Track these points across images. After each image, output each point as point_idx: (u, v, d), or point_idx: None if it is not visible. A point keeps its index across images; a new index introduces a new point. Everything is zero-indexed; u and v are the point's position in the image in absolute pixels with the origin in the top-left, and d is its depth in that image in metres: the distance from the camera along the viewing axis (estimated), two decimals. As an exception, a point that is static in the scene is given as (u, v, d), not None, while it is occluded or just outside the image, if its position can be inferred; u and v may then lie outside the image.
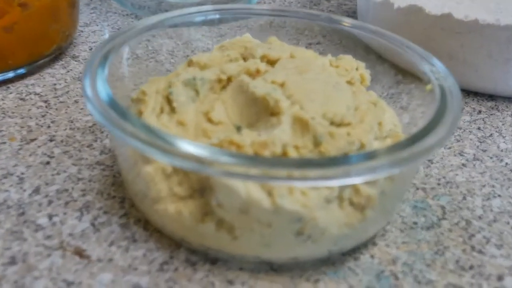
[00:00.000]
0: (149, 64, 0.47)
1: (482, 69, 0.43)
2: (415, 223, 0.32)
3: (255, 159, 0.23)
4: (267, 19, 0.47)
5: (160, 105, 0.29)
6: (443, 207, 0.33)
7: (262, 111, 0.28)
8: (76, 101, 0.43)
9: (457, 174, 0.36)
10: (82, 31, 0.53)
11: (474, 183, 0.35)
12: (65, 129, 0.39)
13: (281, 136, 0.26)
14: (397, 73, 0.40)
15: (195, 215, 0.26)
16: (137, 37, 0.37)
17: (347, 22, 0.38)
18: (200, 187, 0.26)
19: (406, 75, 0.39)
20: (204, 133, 0.28)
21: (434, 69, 0.32)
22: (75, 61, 0.48)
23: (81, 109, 0.42)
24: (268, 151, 0.25)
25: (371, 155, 0.24)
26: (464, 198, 0.34)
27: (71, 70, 0.47)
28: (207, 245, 0.27)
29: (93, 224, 0.30)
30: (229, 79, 0.31)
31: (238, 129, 0.28)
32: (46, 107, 0.42)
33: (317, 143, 0.27)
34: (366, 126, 0.28)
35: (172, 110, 0.29)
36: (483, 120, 0.42)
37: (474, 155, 0.38)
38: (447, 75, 0.31)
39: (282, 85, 0.29)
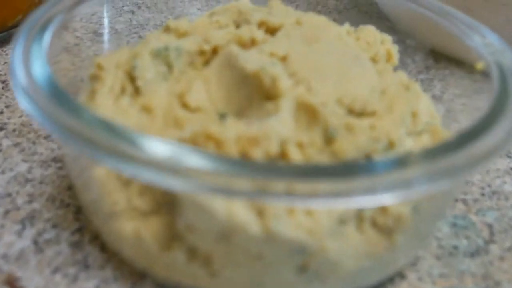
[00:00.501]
0: (131, 41, 0.40)
1: (533, 50, 0.35)
2: (456, 247, 0.24)
3: (239, 163, 0.16)
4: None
5: (121, 83, 0.22)
6: (490, 226, 0.26)
7: (254, 93, 0.20)
8: (38, 82, 0.36)
9: (505, 182, 0.29)
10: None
11: (529, 193, 0.28)
12: (21, 116, 0.32)
13: (279, 128, 0.18)
14: (427, 56, 0.32)
15: (159, 238, 0.19)
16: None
17: (369, -15, 0.30)
18: (167, 200, 0.19)
19: (439, 58, 0.32)
20: (175, 123, 0.21)
21: (487, 41, 0.24)
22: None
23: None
24: (260, 150, 0.18)
25: (404, 161, 0.16)
26: (518, 213, 0.26)
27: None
28: (177, 280, 0.20)
29: (35, 242, 0.23)
30: (214, 51, 0.23)
31: (222, 117, 0.21)
32: (2, 88, 0.35)
33: (329, 139, 0.19)
34: (396, 117, 0.20)
35: (136, 90, 0.22)
36: (534, 111, 0.34)
37: (526, 155, 0.30)
38: (505, 49, 0.23)
39: (283, 58, 0.21)
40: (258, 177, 0.15)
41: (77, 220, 0.25)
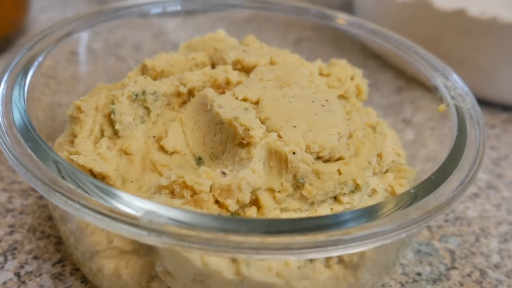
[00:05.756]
0: (108, 61, 0.40)
1: (498, 76, 0.37)
2: (419, 274, 0.26)
3: (210, 219, 0.17)
4: (249, 11, 0.40)
5: (100, 126, 0.23)
6: (452, 252, 0.27)
7: (229, 139, 0.21)
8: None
9: (468, 208, 0.30)
10: (36, 18, 0.46)
11: (489, 219, 0.29)
12: None
13: (251, 178, 0.19)
14: (398, 77, 0.34)
15: (139, 278, 0.20)
16: (85, 31, 0.31)
17: (342, 19, 0.32)
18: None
19: (411, 80, 0.33)
20: (153, 167, 0.22)
21: (450, 84, 0.25)
22: (24, 54, 0.41)
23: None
24: (233, 199, 0.19)
25: (372, 215, 0.17)
26: (477, 239, 0.28)
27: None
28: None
29: (18, 275, 0.24)
30: (191, 92, 0.24)
31: (199, 161, 0.22)
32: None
33: (298, 184, 0.20)
34: (362, 161, 0.22)
35: (115, 133, 0.23)
36: (496, 137, 0.36)
37: (488, 182, 0.32)
38: (466, 93, 0.24)
39: (256, 103, 0.23)
40: (226, 232, 0.16)
41: (58, 251, 0.25)
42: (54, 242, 0.26)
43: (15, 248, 0.25)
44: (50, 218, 0.27)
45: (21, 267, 0.24)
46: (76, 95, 0.31)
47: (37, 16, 0.47)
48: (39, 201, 0.28)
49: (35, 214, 0.27)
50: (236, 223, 0.17)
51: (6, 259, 0.25)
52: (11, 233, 0.26)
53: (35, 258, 0.25)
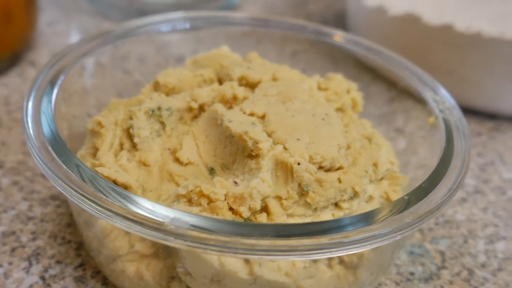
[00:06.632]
0: (116, 74, 0.42)
1: (483, 87, 0.39)
2: (412, 273, 0.28)
3: (227, 225, 0.19)
4: (248, 28, 0.42)
5: (120, 140, 0.25)
6: (442, 253, 0.30)
7: (239, 151, 0.24)
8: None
9: (457, 211, 0.33)
10: (42, 32, 0.48)
11: (476, 222, 0.32)
12: (17, 154, 0.34)
13: (260, 187, 0.22)
14: (391, 88, 0.36)
15: (159, 279, 0.22)
16: (98, 50, 0.33)
17: (338, 36, 0.34)
18: (165, 246, 0.22)
19: (402, 91, 0.35)
20: (170, 177, 0.24)
21: (438, 98, 0.28)
22: (33, 68, 0.43)
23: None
24: (245, 207, 0.21)
25: (369, 219, 0.20)
26: (465, 241, 0.30)
27: (27, 78, 0.42)
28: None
29: (42, 278, 0.26)
30: (201, 107, 0.26)
31: (211, 171, 0.24)
32: (-3, 124, 0.37)
33: (303, 192, 0.23)
34: (360, 170, 0.24)
35: (134, 146, 0.25)
36: (483, 144, 0.39)
37: (475, 187, 0.35)
38: (453, 106, 0.27)
39: (262, 117, 0.25)
40: (241, 237, 0.18)
41: (78, 256, 0.27)
42: (75, 248, 0.28)
43: (38, 254, 0.27)
44: (69, 225, 0.29)
45: (45, 271, 0.26)
46: (88, 107, 0.33)
47: (44, 30, 0.48)
48: (58, 210, 0.30)
49: (54, 221, 0.29)
50: (250, 228, 0.19)
51: (30, 264, 0.27)
52: (33, 239, 0.28)
53: (58, 262, 0.27)
